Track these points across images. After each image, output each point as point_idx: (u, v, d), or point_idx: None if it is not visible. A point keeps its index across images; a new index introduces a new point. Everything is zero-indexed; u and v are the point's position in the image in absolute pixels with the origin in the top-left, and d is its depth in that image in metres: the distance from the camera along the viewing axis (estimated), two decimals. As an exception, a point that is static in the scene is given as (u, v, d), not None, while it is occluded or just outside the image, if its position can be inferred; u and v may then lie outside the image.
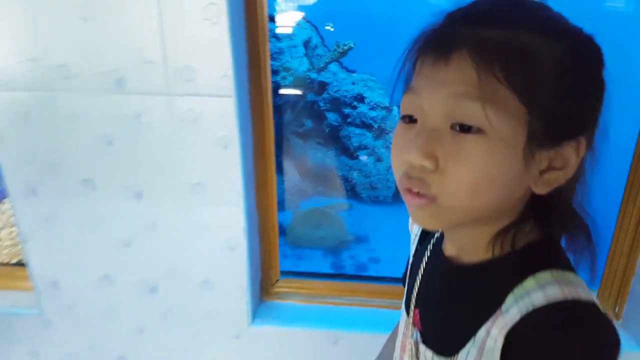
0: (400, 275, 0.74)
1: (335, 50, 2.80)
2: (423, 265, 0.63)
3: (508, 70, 0.45)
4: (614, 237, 1.38)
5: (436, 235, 0.63)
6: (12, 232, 2.17)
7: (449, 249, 0.58)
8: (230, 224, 1.27)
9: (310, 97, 2.94)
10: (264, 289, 1.48)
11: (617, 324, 1.38)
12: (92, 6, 1.10)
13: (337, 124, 3.05)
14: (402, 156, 0.49)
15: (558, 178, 0.49)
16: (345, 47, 2.76)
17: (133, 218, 1.27)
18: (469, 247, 0.55)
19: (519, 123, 0.46)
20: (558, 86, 0.46)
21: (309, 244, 2.28)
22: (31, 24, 1.13)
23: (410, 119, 0.50)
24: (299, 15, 2.96)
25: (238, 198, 1.25)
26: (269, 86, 1.31)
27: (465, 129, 0.46)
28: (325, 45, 2.98)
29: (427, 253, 0.63)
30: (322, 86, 2.95)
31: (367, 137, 2.99)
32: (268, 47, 1.28)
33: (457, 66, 0.46)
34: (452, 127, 0.46)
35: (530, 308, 0.45)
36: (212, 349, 1.41)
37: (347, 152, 3.00)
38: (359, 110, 3.02)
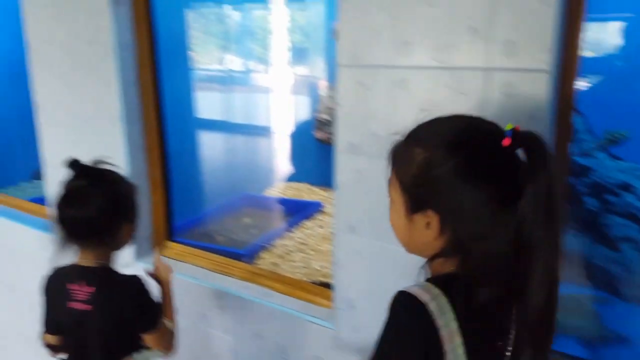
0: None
1: (606, 137, 2.75)
2: None
3: (397, 169, 0.92)
4: None
5: None
6: (302, 255, 2.71)
7: None
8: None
9: (569, 179, 2.90)
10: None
11: None
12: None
13: (595, 209, 2.90)
14: None
15: (432, 233, 0.86)
16: (617, 136, 2.68)
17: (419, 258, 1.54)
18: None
19: (401, 197, 0.90)
20: (416, 179, 0.86)
21: (560, 329, 2.21)
22: (391, 102, 1.55)
23: None
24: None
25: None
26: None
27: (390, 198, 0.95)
28: (590, 132, 2.93)
29: None
30: (583, 170, 2.89)
31: (632, 229, 2.76)
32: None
33: (390, 171, 0.94)
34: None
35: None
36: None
37: (606, 241, 2.81)
38: (624, 199, 2.83)
